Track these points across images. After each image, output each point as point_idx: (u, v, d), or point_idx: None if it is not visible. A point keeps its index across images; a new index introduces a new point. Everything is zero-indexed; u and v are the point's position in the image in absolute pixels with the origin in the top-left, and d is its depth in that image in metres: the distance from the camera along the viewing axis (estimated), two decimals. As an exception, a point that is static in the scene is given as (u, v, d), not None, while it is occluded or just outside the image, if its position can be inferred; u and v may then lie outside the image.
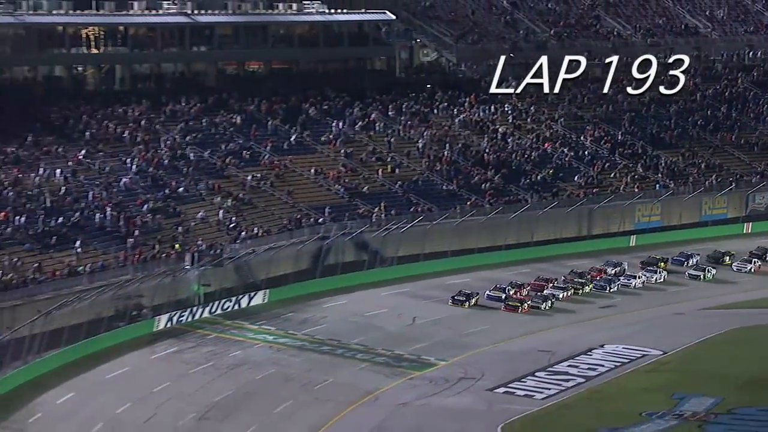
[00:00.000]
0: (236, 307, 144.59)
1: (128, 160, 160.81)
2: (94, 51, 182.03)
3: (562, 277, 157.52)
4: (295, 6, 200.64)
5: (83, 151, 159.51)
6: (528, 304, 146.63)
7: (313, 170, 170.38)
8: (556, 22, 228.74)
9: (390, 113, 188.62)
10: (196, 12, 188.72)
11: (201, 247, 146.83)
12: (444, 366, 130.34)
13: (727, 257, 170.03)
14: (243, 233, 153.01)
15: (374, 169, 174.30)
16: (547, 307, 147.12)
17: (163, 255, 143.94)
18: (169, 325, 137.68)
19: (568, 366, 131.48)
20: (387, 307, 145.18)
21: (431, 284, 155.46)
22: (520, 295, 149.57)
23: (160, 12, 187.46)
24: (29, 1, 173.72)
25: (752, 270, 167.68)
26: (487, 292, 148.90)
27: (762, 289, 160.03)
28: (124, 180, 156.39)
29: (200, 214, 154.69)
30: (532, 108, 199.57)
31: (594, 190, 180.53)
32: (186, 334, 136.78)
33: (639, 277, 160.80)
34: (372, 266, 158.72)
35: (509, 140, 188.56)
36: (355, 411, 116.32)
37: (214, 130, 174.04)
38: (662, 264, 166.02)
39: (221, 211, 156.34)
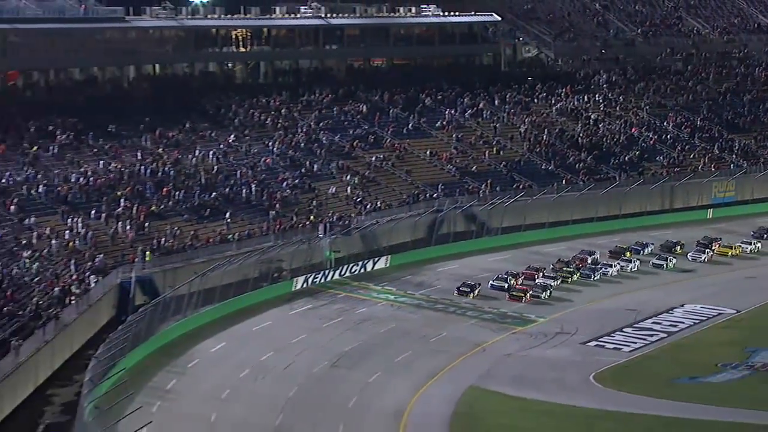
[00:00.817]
0: (362, 270, 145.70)
1: (270, 144, 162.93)
2: (242, 49, 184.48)
3: (551, 266, 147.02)
4: (413, 9, 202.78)
5: (232, 136, 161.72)
6: (530, 294, 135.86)
7: (428, 152, 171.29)
8: (642, 22, 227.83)
9: (496, 102, 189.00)
10: (329, 15, 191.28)
11: (332, 218, 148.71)
12: (543, 322, 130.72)
13: (679, 247, 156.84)
14: (368, 206, 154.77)
15: (482, 151, 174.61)
16: (546, 297, 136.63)
17: (300, 225, 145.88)
18: (305, 285, 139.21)
19: (652, 323, 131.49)
20: (493, 271, 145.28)
21: (531, 251, 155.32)
22: (519, 284, 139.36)
23: (299, 16, 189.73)
24: (188, 7, 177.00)
25: (706, 260, 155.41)
26: (491, 282, 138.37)
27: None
28: (266, 160, 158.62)
29: (331, 189, 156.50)
30: (620, 97, 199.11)
31: (675, 169, 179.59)
32: (319, 294, 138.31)
33: (614, 266, 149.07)
34: (479, 236, 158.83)
35: (600, 125, 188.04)
36: (466, 360, 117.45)
37: (343, 118, 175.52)
38: (628, 253, 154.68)
39: (349, 188, 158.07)
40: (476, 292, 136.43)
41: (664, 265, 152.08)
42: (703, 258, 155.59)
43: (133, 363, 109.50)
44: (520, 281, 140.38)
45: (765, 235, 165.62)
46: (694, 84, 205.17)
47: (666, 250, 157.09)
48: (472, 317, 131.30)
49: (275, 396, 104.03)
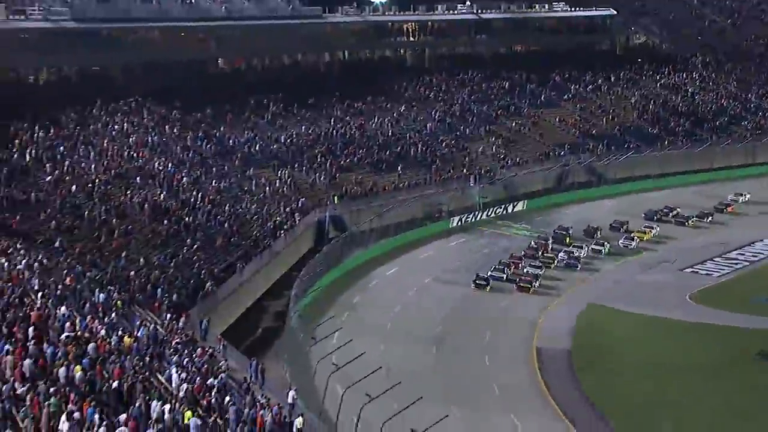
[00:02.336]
0: (504, 212, 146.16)
1: (432, 112, 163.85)
2: (411, 39, 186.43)
3: (529, 252, 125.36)
4: (546, 6, 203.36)
5: (402, 107, 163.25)
6: (536, 285, 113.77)
7: (557, 119, 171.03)
8: (731, 14, 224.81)
9: (611, 79, 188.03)
10: (479, 11, 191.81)
11: (480, 171, 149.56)
12: (646, 254, 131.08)
13: (599, 232, 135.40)
14: (509, 162, 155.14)
15: (600, 118, 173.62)
16: (537, 286, 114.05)
17: (455, 177, 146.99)
18: (459, 224, 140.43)
19: (737, 254, 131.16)
20: (610, 212, 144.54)
21: (639, 198, 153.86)
22: (519, 274, 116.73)
23: (455, 12, 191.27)
24: (370, 6, 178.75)
25: (636, 246, 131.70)
26: (489, 272, 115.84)
27: None
28: (429, 125, 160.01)
29: (480, 149, 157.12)
30: (713, 74, 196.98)
31: (757, 132, 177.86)
32: (470, 230, 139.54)
33: (582, 248, 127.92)
34: (598, 185, 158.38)
35: (696, 97, 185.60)
36: (584, 284, 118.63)
37: (490, 92, 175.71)
38: (568, 239, 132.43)
39: (494, 147, 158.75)
40: (491, 284, 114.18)
41: (603, 250, 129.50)
42: (633, 245, 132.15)
43: (327, 283, 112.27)
44: (511, 270, 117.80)
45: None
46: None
47: (588, 236, 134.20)
48: (589, 251, 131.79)
49: (435, 310, 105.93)
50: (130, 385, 52.55)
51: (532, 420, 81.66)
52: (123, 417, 47.13)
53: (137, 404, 50.08)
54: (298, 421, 60.88)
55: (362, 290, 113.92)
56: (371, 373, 73.01)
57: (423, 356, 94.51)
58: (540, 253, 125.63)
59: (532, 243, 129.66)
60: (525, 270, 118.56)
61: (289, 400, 65.97)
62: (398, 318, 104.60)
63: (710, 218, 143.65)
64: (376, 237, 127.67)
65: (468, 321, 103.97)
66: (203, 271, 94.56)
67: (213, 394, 58.66)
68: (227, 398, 59.12)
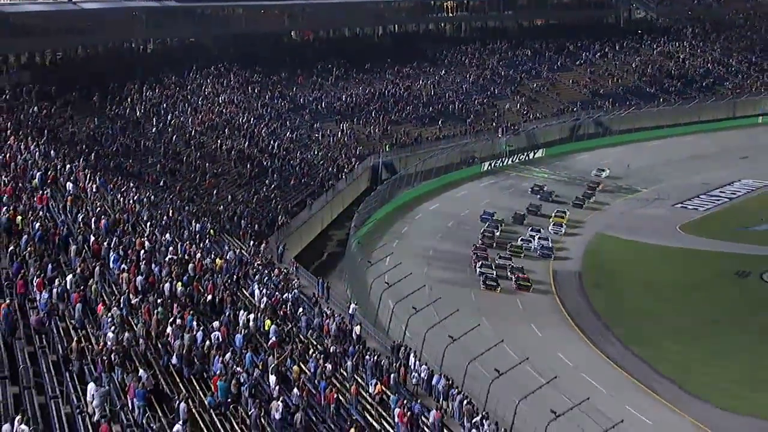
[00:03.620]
0: (526, 158, 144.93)
1: (467, 76, 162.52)
2: (450, 14, 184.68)
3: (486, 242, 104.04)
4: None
5: (443, 71, 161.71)
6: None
7: (571, 81, 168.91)
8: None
9: (616, 48, 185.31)
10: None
11: (507, 124, 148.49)
12: (645, 192, 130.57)
13: (525, 219, 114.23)
14: (531, 116, 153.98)
15: (606, 80, 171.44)
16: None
17: (486, 129, 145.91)
18: (488, 168, 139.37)
19: (719, 191, 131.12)
20: (613, 158, 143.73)
21: (640, 146, 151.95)
22: (521, 273, 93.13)
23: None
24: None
25: (564, 232, 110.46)
26: (479, 269, 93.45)
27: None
28: (465, 86, 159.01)
29: (507, 105, 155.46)
30: (701, 43, 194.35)
31: (737, 92, 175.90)
32: (498, 173, 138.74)
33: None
34: (604, 135, 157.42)
35: (686, 62, 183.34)
36: (592, 216, 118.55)
37: (515, 58, 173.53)
38: (498, 219, 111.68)
39: (518, 104, 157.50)
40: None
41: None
42: (562, 231, 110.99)
43: (380, 216, 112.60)
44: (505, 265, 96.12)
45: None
46: (751, 34, 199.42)
47: (518, 222, 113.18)
48: (597, 187, 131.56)
49: (471, 238, 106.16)
50: (221, 298, 53.25)
51: (549, 329, 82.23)
52: (216, 324, 47.77)
53: (227, 313, 50.80)
54: (357, 329, 61.61)
55: (409, 222, 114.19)
56: (416, 290, 73.59)
57: (459, 276, 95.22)
58: (492, 242, 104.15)
59: (485, 234, 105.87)
60: (496, 262, 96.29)
61: (350, 312, 66.55)
62: (439, 244, 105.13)
63: (592, 199, 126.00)
64: (421, 178, 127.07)
65: (500, 245, 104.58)
66: (279, 206, 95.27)
67: (288, 306, 59.35)
68: (299, 309, 59.77)
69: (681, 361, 76.26)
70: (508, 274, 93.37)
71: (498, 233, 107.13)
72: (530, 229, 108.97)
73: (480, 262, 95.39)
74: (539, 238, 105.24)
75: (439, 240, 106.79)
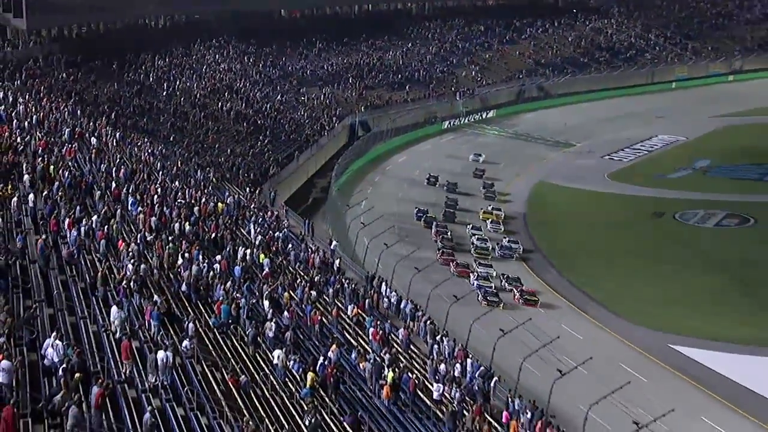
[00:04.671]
0: (480, 117, 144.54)
1: (430, 48, 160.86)
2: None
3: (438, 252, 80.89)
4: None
5: (409, 44, 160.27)
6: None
7: (517, 52, 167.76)
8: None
9: (555, 24, 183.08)
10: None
11: (463, 89, 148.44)
12: (579, 145, 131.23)
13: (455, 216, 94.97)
14: (484, 82, 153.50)
15: (547, 51, 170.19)
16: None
17: (446, 93, 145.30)
18: (448, 126, 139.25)
19: (640, 145, 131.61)
20: (553, 118, 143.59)
21: (575, 107, 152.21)
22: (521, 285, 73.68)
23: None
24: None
25: (503, 230, 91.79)
26: (476, 282, 73.43)
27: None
28: (428, 57, 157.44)
29: (463, 73, 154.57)
30: (625, 20, 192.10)
31: (655, 61, 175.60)
32: (456, 131, 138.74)
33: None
34: (545, 98, 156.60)
35: (613, 36, 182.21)
36: (535, 166, 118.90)
37: (471, 34, 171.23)
38: (432, 216, 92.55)
39: (473, 72, 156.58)
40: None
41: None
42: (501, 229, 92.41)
43: (357, 167, 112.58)
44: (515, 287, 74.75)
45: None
46: (666, 13, 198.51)
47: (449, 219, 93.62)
48: (539, 143, 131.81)
49: (432, 195, 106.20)
50: (223, 235, 53.30)
51: (498, 261, 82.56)
52: (218, 257, 47.88)
53: (228, 249, 50.84)
54: (337, 262, 61.88)
55: (381, 172, 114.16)
56: (387, 229, 74.08)
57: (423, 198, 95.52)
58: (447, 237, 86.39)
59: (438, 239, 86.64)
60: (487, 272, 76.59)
61: (331, 247, 66.75)
62: (407, 190, 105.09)
63: (494, 188, 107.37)
64: (391, 135, 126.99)
65: (460, 188, 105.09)
66: (271, 159, 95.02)
67: (279, 242, 59.51)
68: (289, 245, 59.95)
69: (607, 287, 76.90)
70: (504, 284, 74.12)
71: (449, 233, 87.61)
72: (470, 227, 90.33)
73: (474, 274, 75.66)
74: (478, 237, 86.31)
75: (408, 186, 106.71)
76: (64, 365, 27.10)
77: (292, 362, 38.65)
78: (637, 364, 59.85)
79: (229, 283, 44.15)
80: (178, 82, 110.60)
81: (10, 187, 45.40)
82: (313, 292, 50.56)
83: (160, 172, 64.97)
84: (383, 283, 59.57)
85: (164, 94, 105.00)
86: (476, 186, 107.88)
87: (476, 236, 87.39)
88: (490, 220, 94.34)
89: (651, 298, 74.08)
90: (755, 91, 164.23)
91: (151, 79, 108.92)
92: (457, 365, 47.12)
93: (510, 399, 44.71)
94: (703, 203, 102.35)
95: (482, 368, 47.95)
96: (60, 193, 46.63)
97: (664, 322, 68.44)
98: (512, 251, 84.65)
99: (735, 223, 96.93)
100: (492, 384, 46.36)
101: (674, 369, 59.93)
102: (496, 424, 41.31)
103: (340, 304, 51.88)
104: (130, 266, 39.98)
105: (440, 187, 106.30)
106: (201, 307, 41.53)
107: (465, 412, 41.07)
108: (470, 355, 49.68)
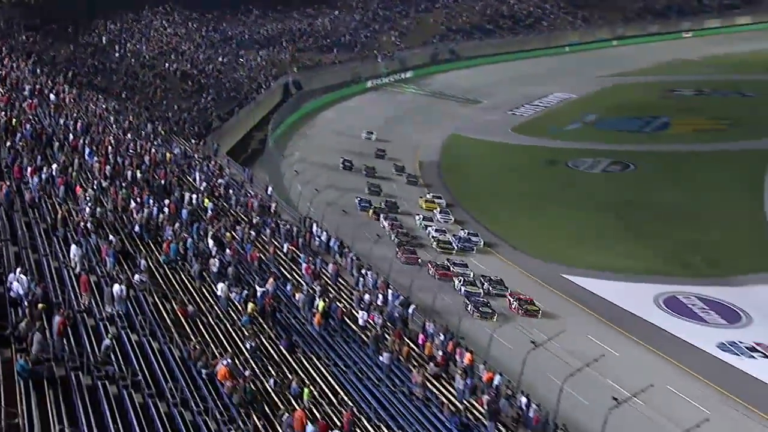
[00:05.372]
0: (400, 77, 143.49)
1: (355, 15, 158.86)
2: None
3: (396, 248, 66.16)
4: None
5: (337, 11, 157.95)
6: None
7: (432, 19, 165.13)
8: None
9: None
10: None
11: (384, 52, 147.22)
12: (486, 102, 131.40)
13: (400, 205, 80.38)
14: (403, 47, 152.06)
15: (458, 19, 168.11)
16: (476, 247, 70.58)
17: (370, 55, 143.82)
18: (371, 84, 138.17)
19: (538, 102, 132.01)
20: (463, 78, 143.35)
21: (482, 69, 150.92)
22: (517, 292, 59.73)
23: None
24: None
25: (452, 221, 77.01)
26: (462, 288, 58.71)
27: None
28: (353, 23, 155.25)
29: (384, 38, 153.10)
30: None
31: (552, 28, 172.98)
32: (379, 89, 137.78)
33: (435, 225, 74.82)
34: (456, 60, 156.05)
35: (515, 6, 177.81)
36: (446, 122, 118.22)
37: (391, 3, 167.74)
38: (378, 206, 77.13)
39: (393, 36, 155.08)
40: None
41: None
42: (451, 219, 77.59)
43: (291, 121, 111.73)
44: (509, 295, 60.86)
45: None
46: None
47: (393, 209, 77.94)
48: (451, 100, 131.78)
49: (359, 137, 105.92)
50: (171, 182, 52.68)
51: (415, 204, 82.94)
52: (167, 201, 47.32)
53: (175, 194, 50.32)
54: (274, 205, 61.66)
55: (312, 126, 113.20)
56: (318, 176, 74.00)
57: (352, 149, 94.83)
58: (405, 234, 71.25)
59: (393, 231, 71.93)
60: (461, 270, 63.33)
61: (268, 192, 66.50)
62: (336, 140, 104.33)
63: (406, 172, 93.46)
64: (321, 93, 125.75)
65: (378, 142, 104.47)
66: (214, 114, 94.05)
67: (221, 188, 59.04)
68: (230, 191, 59.51)
69: (508, 224, 77.91)
70: (487, 287, 60.47)
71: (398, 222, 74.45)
72: (421, 218, 76.48)
73: (460, 279, 60.81)
74: (436, 230, 72.73)
75: (337, 137, 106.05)
76: (29, 297, 26.87)
77: (233, 294, 38.61)
78: (534, 291, 60.89)
79: (177, 225, 43.84)
80: (128, 45, 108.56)
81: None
82: (252, 232, 50.40)
83: (114, 126, 63.93)
84: (314, 224, 59.61)
85: (116, 55, 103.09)
86: (386, 168, 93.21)
87: (432, 228, 73.29)
88: (437, 209, 79.67)
89: (546, 235, 75.21)
90: (635, 53, 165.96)
91: (104, 41, 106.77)
92: (380, 295, 47.56)
93: (425, 323, 45.29)
94: (592, 152, 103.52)
95: (401, 297, 48.49)
96: (22, 143, 45.67)
97: (557, 255, 69.70)
98: (472, 244, 70.66)
99: (618, 169, 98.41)
100: (410, 311, 46.96)
101: (566, 295, 61.13)
102: (413, 345, 41.87)
103: (276, 243, 51.80)
104: (87, 209, 39.48)
105: (357, 172, 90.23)
106: (152, 246, 41.19)
107: (386, 335, 41.51)
108: (390, 286, 50.17)
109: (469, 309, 55.38)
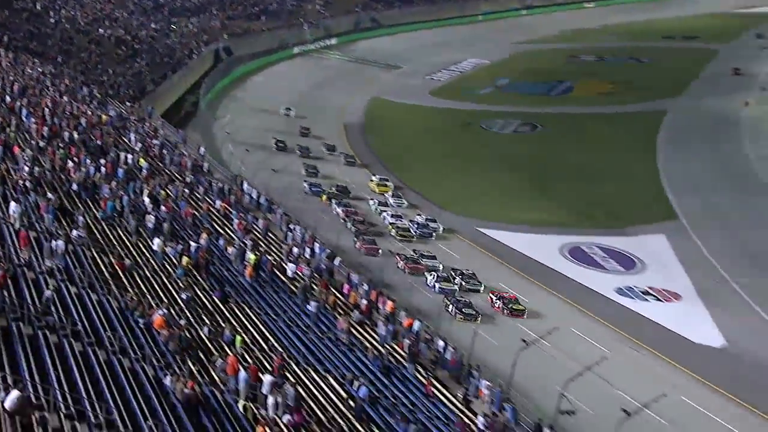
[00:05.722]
0: (325, 44, 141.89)
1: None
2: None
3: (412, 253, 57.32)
4: None
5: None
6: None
7: None
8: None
9: None
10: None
11: (311, 20, 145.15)
12: (406, 67, 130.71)
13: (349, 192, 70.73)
14: (328, 16, 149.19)
15: None
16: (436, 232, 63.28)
17: (297, 23, 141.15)
18: (298, 51, 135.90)
19: (454, 67, 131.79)
20: (384, 45, 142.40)
21: (402, 36, 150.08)
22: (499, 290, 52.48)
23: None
24: None
25: (406, 204, 68.87)
26: (435, 284, 51.31)
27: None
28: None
29: (311, 6, 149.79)
30: None
31: None
32: (305, 55, 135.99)
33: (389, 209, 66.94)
34: (379, 28, 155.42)
35: None
36: (368, 86, 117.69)
37: None
38: (332, 191, 69.11)
39: (318, 6, 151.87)
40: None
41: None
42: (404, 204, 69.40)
43: (222, 86, 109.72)
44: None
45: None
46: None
47: (343, 193, 69.45)
48: (374, 65, 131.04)
49: (287, 98, 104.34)
50: (107, 142, 51.63)
51: (340, 162, 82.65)
52: (103, 161, 46.38)
53: (111, 154, 49.34)
54: (206, 165, 60.94)
55: (243, 89, 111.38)
56: (248, 137, 73.25)
57: (277, 124, 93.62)
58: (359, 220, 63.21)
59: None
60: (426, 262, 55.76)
61: (201, 153, 65.65)
62: (264, 103, 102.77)
63: (338, 151, 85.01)
64: (250, 58, 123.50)
65: (309, 105, 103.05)
66: (148, 78, 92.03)
67: (156, 148, 58.06)
68: (164, 151, 58.57)
69: (427, 180, 78.25)
70: (460, 281, 52.84)
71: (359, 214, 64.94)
72: (376, 203, 68.15)
73: (434, 275, 52.99)
74: (393, 215, 64.66)
75: (265, 100, 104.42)
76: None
77: (169, 248, 38.21)
78: (452, 244, 61.38)
79: (113, 183, 43.08)
80: (63, 11, 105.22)
81: None
82: (186, 190, 49.85)
83: (50, 89, 62.26)
84: (245, 182, 59.16)
85: (51, 21, 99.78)
86: (315, 147, 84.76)
87: (388, 214, 65.33)
88: (389, 193, 71.87)
89: (462, 191, 75.86)
90: (543, 22, 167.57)
91: (39, 7, 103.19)
92: (307, 248, 47.58)
93: (350, 274, 45.47)
94: (503, 114, 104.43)
95: (327, 250, 48.61)
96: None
97: (472, 209, 70.36)
98: (430, 230, 63.19)
99: (528, 130, 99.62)
100: (336, 262, 47.08)
101: (481, 247, 61.80)
102: (339, 295, 42.08)
103: (209, 200, 51.33)
104: (26, 168, 38.55)
105: (291, 153, 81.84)
106: (89, 203, 40.44)
107: (314, 285, 41.62)
108: (317, 240, 50.20)
109: (450, 310, 48.00)
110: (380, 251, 56.90)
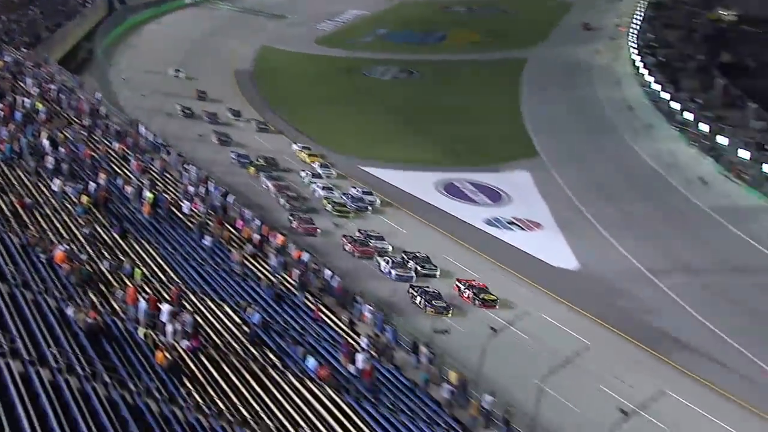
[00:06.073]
0: None
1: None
2: None
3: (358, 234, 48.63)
4: None
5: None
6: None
7: None
8: None
9: None
10: None
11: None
12: (292, 17, 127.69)
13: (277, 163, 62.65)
14: None
15: None
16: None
17: None
18: (190, 1, 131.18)
19: (337, 18, 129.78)
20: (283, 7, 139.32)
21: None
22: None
23: None
24: None
25: (335, 175, 60.55)
26: (393, 272, 43.68)
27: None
28: None
29: None
30: None
31: None
32: (197, 5, 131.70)
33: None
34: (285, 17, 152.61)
35: None
36: (257, 35, 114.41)
37: None
38: (261, 163, 59.86)
39: None
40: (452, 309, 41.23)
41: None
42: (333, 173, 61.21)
43: (117, 33, 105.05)
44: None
45: None
46: None
47: (272, 166, 59.99)
48: (262, 15, 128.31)
49: (181, 44, 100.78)
50: (4, 87, 49.07)
51: (235, 105, 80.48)
52: (0, 105, 44.14)
53: (8, 97, 46.92)
54: (103, 109, 58.69)
55: (138, 36, 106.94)
56: (145, 80, 70.99)
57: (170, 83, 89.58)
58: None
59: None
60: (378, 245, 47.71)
61: (97, 98, 63.07)
62: (159, 48, 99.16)
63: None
64: (143, 8, 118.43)
65: (200, 55, 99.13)
66: (43, 26, 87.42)
67: (53, 92, 55.55)
68: (62, 96, 56.08)
69: (315, 123, 77.28)
70: (414, 265, 45.29)
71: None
72: (308, 175, 59.02)
73: (388, 261, 45.06)
74: (324, 188, 56.14)
75: (159, 46, 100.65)
76: None
77: (68, 188, 36.90)
78: (392, 218, 55.08)
79: (11, 125, 41.08)
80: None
81: None
82: (85, 132, 48.06)
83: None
84: (140, 125, 57.38)
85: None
86: (221, 113, 74.49)
87: (321, 187, 56.56)
88: (318, 163, 62.72)
89: (346, 132, 75.66)
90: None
91: None
92: (201, 187, 46.75)
93: (242, 210, 44.97)
94: (383, 61, 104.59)
95: (221, 188, 47.90)
96: None
97: (355, 149, 70.47)
98: (366, 203, 55.25)
99: (405, 76, 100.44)
100: (229, 200, 46.46)
101: (363, 183, 61.96)
102: (233, 230, 41.68)
103: (106, 142, 49.63)
104: None
105: (199, 119, 71.32)
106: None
107: (209, 222, 41.07)
108: (211, 179, 49.35)
109: (419, 302, 41.04)
110: (319, 230, 48.90)
